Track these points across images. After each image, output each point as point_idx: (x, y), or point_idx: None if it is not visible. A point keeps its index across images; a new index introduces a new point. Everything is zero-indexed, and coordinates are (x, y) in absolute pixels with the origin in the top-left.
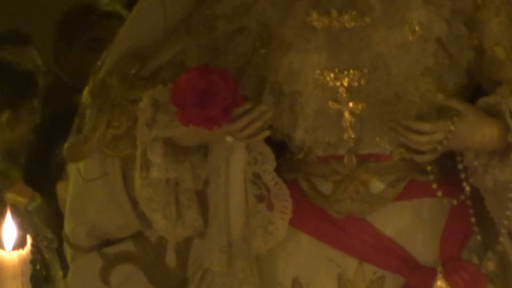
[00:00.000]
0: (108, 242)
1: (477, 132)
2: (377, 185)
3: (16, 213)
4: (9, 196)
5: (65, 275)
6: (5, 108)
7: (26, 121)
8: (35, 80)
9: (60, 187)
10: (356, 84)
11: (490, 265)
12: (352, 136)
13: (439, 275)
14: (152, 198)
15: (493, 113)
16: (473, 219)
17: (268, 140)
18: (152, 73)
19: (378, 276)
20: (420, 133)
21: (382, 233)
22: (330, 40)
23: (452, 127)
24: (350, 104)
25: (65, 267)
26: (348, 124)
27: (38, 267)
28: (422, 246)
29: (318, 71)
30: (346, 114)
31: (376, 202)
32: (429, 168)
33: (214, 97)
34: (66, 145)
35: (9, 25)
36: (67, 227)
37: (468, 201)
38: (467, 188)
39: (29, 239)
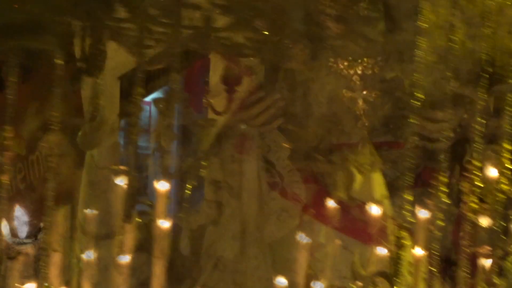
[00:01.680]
0: None
1: (490, 120)
2: (391, 173)
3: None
4: None
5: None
6: None
7: None
8: None
9: None
10: (369, 72)
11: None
12: (366, 124)
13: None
14: None
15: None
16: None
17: (282, 128)
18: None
19: None
20: (433, 121)
21: (395, 220)
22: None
23: (465, 115)
24: (364, 92)
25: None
26: (361, 112)
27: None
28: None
29: (331, 59)
30: (360, 102)
31: (389, 189)
32: (442, 156)
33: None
34: (79, 133)
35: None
36: (81, 215)
37: None
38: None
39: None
